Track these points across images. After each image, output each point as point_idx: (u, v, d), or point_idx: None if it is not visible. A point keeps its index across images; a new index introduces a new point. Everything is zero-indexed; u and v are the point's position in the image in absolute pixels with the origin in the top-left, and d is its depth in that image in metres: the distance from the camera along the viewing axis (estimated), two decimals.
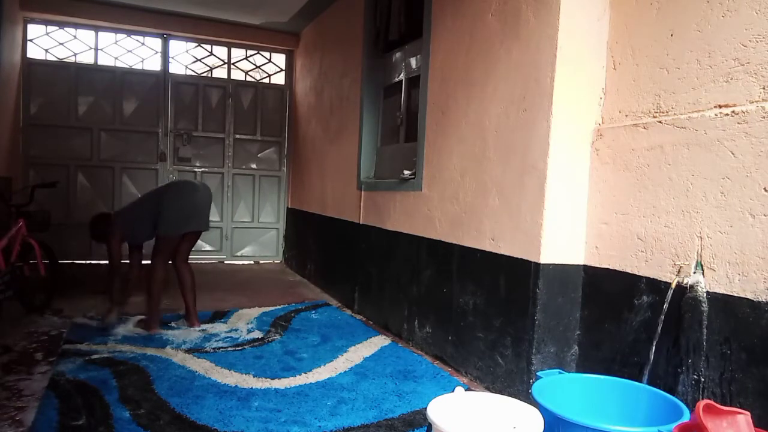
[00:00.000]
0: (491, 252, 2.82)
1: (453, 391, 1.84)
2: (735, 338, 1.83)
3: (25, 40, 5.77)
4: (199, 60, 6.62)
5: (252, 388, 2.68)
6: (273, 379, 2.81)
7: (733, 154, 1.89)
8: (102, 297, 4.53)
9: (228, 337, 3.54)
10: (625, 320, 2.27)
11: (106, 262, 3.72)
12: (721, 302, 1.89)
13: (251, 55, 6.84)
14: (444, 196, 3.27)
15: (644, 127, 2.25)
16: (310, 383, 2.78)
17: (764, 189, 1.79)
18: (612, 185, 2.40)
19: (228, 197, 6.70)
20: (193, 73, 6.58)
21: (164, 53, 6.37)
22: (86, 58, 6.09)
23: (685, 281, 2.01)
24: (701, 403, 1.38)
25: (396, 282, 3.81)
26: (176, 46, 6.46)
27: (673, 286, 2.03)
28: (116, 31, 6.15)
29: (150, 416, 2.29)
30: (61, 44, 6.00)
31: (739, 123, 1.87)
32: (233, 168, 6.74)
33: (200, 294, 4.27)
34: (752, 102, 1.87)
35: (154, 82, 6.34)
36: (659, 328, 2.05)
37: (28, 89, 5.80)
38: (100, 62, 6.14)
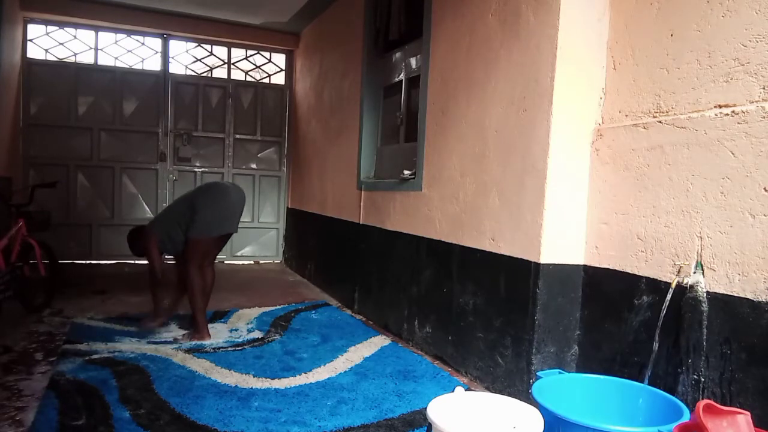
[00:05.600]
0: (491, 252, 2.82)
1: (453, 391, 1.83)
2: (735, 338, 1.83)
3: (25, 40, 5.77)
4: (199, 60, 6.62)
5: (252, 388, 2.68)
6: (273, 379, 2.81)
7: (733, 154, 1.89)
8: (102, 296, 4.55)
9: (228, 337, 3.54)
10: (625, 320, 2.27)
11: (147, 265, 3.60)
12: (721, 302, 1.89)
13: (251, 55, 6.84)
14: (444, 196, 3.27)
15: (644, 127, 2.25)
16: (310, 383, 2.78)
17: (764, 189, 1.79)
18: (612, 185, 2.40)
19: None
20: (193, 73, 6.58)
21: (164, 53, 6.38)
22: (86, 58, 6.09)
23: (685, 281, 2.01)
24: (701, 403, 1.38)
25: (396, 282, 3.81)
26: (176, 46, 6.46)
27: (673, 286, 2.03)
28: (116, 31, 6.15)
29: (150, 416, 2.29)
30: (61, 44, 6.00)
31: (739, 123, 1.87)
32: (233, 168, 6.74)
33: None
34: (752, 102, 1.87)
35: (154, 82, 6.34)
36: (659, 329, 2.05)
37: (28, 89, 5.80)
38: (100, 62, 6.14)
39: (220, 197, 3.49)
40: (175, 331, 3.61)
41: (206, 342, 3.39)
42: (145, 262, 3.63)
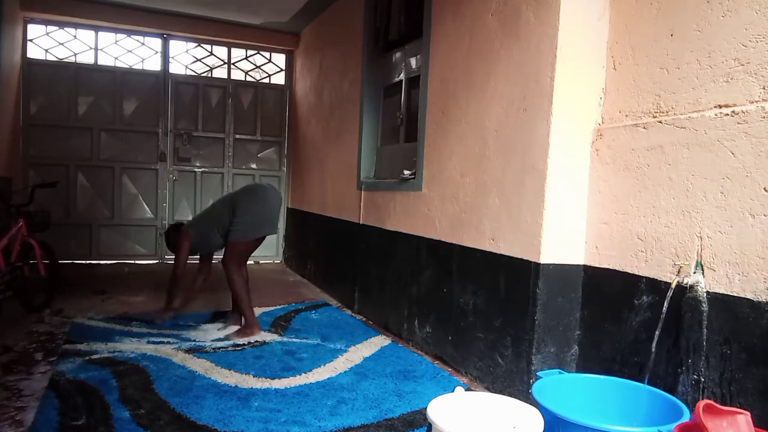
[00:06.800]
0: (491, 252, 2.82)
1: (453, 391, 1.84)
2: (735, 338, 1.83)
3: (25, 40, 5.77)
4: (199, 60, 6.62)
5: (252, 388, 2.68)
6: (273, 379, 2.81)
7: (733, 154, 1.89)
8: (102, 296, 4.55)
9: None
10: (625, 320, 2.27)
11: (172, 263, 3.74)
12: (721, 302, 1.89)
13: (251, 55, 6.84)
14: (444, 196, 3.27)
15: (644, 127, 2.25)
16: (310, 383, 2.77)
17: (764, 189, 1.79)
18: (612, 185, 2.40)
19: None
20: (193, 73, 6.58)
21: (164, 53, 6.38)
22: (86, 58, 6.09)
23: (685, 281, 2.01)
24: (701, 403, 1.38)
25: (396, 282, 3.81)
26: (176, 46, 6.46)
27: (673, 286, 2.03)
28: (116, 31, 6.15)
29: (150, 416, 2.29)
30: (61, 44, 6.00)
31: (739, 123, 1.87)
32: (233, 168, 6.74)
33: (199, 294, 4.26)
34: (752, 102, 1.87)
35: (154, 82, 6.34)
36: (659, 328, 2.05)
37: (28, 89, 5.80)
38: (100, 62, 6.14)
39: (260, 201, 3.57)
40: (223, 330, 3.65)
41: (252, 338, 3.47)
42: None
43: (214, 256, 3.91)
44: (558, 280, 2.51)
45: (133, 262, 6.25)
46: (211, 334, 3.57)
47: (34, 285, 3.99)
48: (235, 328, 3.64)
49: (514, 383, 2.61)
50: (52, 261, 4.07)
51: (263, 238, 3.67)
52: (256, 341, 3.46)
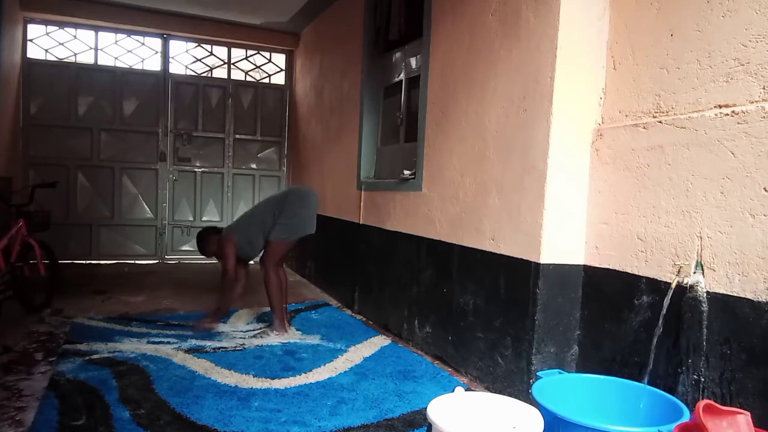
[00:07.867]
0: (491, 252, 2.82)
1: (453, 391, 1.83)
2: (735, 338, 1.83)
3: (25, 40, 5.77)
4: (199, 60, 6.62)
5: (252, 388, 2.68)
6: (273, 379, 2.81)
7: (733, 154, 1.89)
8: (102, 296, 4.55)
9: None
10: (625, 320, 2.27)
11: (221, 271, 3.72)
12: (721, 302, 1.89)
13: (251, 55, 6.84)
14: (444, 196, 3.27)
15: (644, 127, 2.25)
16: (310, 383, 2.77)
17: (764, 189, 1.79)
18: (612, 185, 2.40)
19: (228, 197, 6.71)
20: (193, 73, 6.58)
21: (164, 53, 6.38)
22: (86, 58, 6.09)
23: (685, 281, 2.01)
24: (701, 403, 1.38)
25: (396, 282, 3.81)
26: (176, 46, 6.46)
27: (673, 286, 2.03)
28: (116, 31, 6.16)
29: (150, 416, 2.29)
30: (61, 44, 6.00)
31: (739, 123, 1.87)
32: (233, 168, 6.74)
33: (200, 294, 4.25)
34: (752, 102, 1.87)
35: (154, 82, 6.34)
36: (659, 329, 2.05)
37: (28, 89, 5.80)
38: (100, 62, 6.14)
39: (303, 202, 3.66)
40: (252, 326, 3.74)
41: (280, 334, 3.58)
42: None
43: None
44: (558, 280, 2.51)
45: (133, 262, 6.24)
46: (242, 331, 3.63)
47: (34, 285, 3.99)
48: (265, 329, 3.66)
49: (514, 383, 2.61)
50: (52, 261, 4.07)
51: (302, 238, 3.72)
52: (259, 342, 3.47)
